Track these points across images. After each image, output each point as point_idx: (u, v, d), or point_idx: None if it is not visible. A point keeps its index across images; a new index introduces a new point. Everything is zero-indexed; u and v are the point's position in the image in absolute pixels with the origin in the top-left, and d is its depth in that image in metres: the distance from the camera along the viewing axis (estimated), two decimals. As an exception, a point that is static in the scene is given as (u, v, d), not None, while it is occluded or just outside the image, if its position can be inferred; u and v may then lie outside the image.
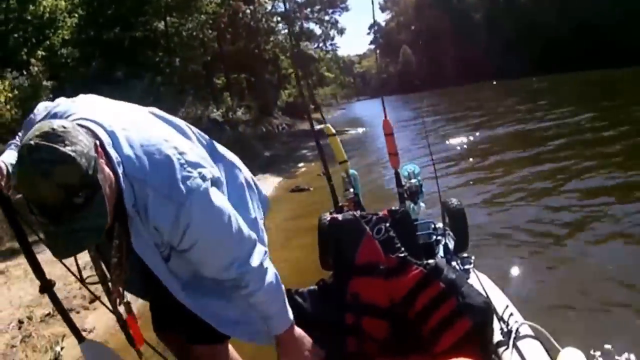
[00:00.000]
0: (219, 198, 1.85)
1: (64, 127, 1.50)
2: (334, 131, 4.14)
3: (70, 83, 18.73)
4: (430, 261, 2.38)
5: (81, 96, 2.00)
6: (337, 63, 56.15)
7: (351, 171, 4.07)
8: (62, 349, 4.96)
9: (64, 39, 20.72)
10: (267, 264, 2.00)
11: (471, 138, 17.06)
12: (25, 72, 16.37)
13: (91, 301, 5.96)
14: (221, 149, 2.25)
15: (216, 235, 1.84)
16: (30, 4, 19.60)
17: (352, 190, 3.99)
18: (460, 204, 4.05)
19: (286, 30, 40.85)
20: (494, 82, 52.55)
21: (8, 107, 14.51)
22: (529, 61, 58.35)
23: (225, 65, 34.28)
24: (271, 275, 1.99)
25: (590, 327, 4.20)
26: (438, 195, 4.10)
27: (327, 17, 46.63)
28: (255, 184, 2.33)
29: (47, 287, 2.25)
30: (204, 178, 1.78)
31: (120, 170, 1.65)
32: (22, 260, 7.87)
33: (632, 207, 6.97)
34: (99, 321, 5.63)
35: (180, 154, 1.76)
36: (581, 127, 14.89)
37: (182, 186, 1.71)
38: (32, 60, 16.95)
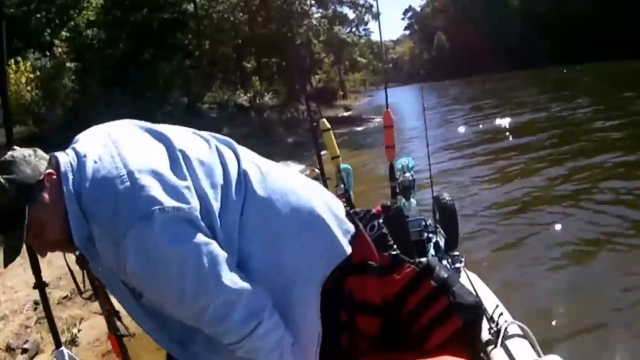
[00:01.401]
0: (175, 237, 1.55)
1: (13, 157, 1.63)
2: (328, 126, 4.09)
3: (96, 65, 18.63)
4: (423, 260, 2.31)
5: (108, 124, 1.89)
6: (371, 48, 55.60)
7: (344, 166, 4.03)
8: (79, 331, 4.99)
9: (89, 20, 20.43)
10: (263, 333, 1.64)
11: (486, 127, 17.39)
12: (48, 53, 16.30)
13: None
14: (265, 184, 1.82)
15: (158, 283, 1.59)
16: (52, -16, 19.43)
17: (342, 186, 3.94)
18: (452, 200, 4.13)
19: (319, 14, 40.59)
20: (519, 72, 52.60)
21: (29, 88, 14.50)
22: (563, 49, 57.51)
23: (256, 48, 34.15)
24: (270, 346, 1.66)
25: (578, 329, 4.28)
26: (431, 191, 4.17)
27: (361, 1, 46.06)
28: (323, 228, 1.89)
29: (40, 286, 2.42)
30: (148, 217, 1.52)
31: (73, 206, 1.62)
32: None
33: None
34: (118, 306, 5.59)
35: (139, 188, 1.56)
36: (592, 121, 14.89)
37: (120, 223, 1.53)
38: (56, 42, 16.85)
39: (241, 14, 31.38)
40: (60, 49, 16.44)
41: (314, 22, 37.15)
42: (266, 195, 1.79)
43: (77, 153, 1.69)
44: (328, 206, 1.95)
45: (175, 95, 22.03)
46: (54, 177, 1.63)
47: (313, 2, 38.88)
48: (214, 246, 1.59)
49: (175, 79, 21.59)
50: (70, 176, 1.64)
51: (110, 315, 2.22)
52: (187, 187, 1.62)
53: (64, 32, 18.86)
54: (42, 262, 6.73)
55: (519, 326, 2.43)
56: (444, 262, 3.18)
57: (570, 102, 19.68)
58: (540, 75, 43.35)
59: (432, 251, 3.44)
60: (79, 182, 1.62)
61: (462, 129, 17.87)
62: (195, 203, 1.60)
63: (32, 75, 14.71)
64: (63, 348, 2.34)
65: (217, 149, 1.82)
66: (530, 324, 2.43)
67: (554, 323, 4.38)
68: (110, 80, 18.58)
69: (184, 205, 1.56)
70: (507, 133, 15.57)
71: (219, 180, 1.72)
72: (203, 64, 28.39)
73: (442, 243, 3.58)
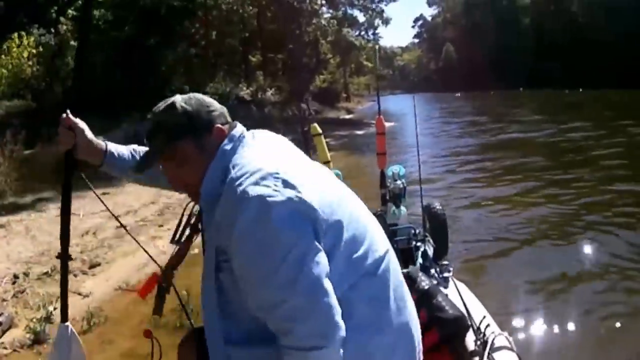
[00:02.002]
0: (296, 224, 1.57)
1: (198, 99, 1.84)
2: (320, 131, 4.14)
3: (100, 45, 18.53)
4: (404, 270, 2.31)
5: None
6: (379, 53, 55.68)
7: (335, 171, 3.85)
8: (54, 309, 4.83)
9: (97, 1, 19.82)
10: (321, 357, 1.54)
11: (481, 142, 17.92)
12: (53, 30, 16.22)
13: (90, 267, 6.12)
14: (395, 277, 1.83)
15: (256, 254, 1.56)
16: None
17: None
18: (442, 208, 4.09)
19: (329, 15, 40.54)
20: (521, 89, 53.87)
21: (30, 63, 14.49)
22: (572, 72, 57.46)
23: (262, 43, 34.09)
24: None
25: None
26: (420, 199, 4.17)
27: (373, 6, 46.00)
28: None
29: (65, 257, 2.33)
30: (284, 194, 1.56)
31: (220, 162, 1.74)
32: (24, 216, 8.02)
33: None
34: (97, 287, 5.65)
35: (291, 176, 1.62)
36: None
37: (247, 188, 1.58)
38: (62, 19, 16.77)
39: (250, 8, 31.31)
40: (65, 27, 16.33)
41: (323, 22, 37.05)
42: (391, 285, 1.78)
43: (254, 133, 1.85)
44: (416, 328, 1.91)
45: (177, 83, 21.76)
46: (222, 133, 1.79)
47: (324, 2, 38.79)
48: (323, 255, 1.58)
49: (178, 67, 21.48)
50: (236, 142, 1.77)
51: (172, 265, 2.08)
52: (330, 209, 1.66)
53: (70, 11, 18.73)
54: (27, 237, 6.72)
55: (506, 338, 2.45)
56: (432, 270, 3.22)
57: (566, 125, 20.11)
58: (542, 96, 43.68)
59: (420, 260, 3.42)
60: (238, 148, 1.76)
61: (459, 141, 18.44)
62: (327, 222, 1.63)
63: (34, 51, 14.67)
64: (68, 323, 2.32)
65: (372, 222, 1.87)
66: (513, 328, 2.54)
67: (534, 324, 4.54)
68: (112, 63, 18.48)
69: (319, 211, 1.60)
70: (501, 148, 16.16)
71: (363, 239, 1.74)
72: (208, 54, 28.33)
73: (430, 252, 3.58)
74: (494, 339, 2.39)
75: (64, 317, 2.32)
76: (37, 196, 9.24)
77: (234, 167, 1.67)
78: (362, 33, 49.71)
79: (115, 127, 15.61)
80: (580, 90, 45.54)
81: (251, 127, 1.84)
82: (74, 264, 6.03)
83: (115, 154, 2.21)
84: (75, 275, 5.85)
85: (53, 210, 8.22)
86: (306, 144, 4.11)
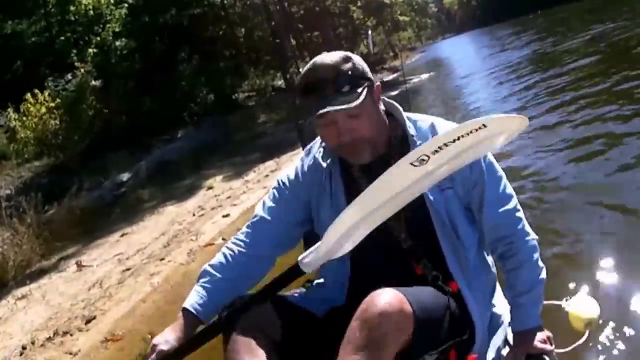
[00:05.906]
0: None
1: (359, 57, 1.99)
2: None
3: (117, 79, 18.74)
4: None
5: None
6: (411, 6, 54.38)
7: None
8: None
9: (115, 32, 20.09)
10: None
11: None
12: (70, 77, 16.46)
13: (87, 322, 6.07)
14: None
15: (496, 171, 2.04)
16: (70, 5, 19.57)
17: None
18: None
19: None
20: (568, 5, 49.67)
21: (52, 116, 14.85)
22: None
23: (294, 26, 33.81)
24: (539, 258, 2.06)
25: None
26: None
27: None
28: None
29: None
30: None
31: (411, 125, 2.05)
32: (45, 281, 8.11)
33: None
34: (86, 343, 5.61)
35: None
36: None
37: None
38: (77, 64, 16.95)
39: (269, -4, 31.06)
40: (82, 70, 16.54)
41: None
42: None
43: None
44: None
45: (202, 94, 21.99)
46: (379, 90, 2.01)
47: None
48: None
49: (198, 78, 21.26)
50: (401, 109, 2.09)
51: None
52: None
53: (91, 49, 18.99)
54: (42, 303, 6.88)
55: None
56: None
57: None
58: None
59: None
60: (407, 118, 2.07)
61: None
62: None
63: (52, 104, 15.05)
64: None
65: None
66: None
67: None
68: (133, 93, 18.85)
69: None
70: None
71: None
72: (240, 52, 28.32)
73: None
74: None
75: None
76: (60, 255, 9.40)
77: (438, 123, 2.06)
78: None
79: (147, 155, 16.00)
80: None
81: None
82: (73, 323, 6.13)
83: (204, 307, 2.02)
84: (71, 335, 5.87)
85: (73, 266, 8.40)
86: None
